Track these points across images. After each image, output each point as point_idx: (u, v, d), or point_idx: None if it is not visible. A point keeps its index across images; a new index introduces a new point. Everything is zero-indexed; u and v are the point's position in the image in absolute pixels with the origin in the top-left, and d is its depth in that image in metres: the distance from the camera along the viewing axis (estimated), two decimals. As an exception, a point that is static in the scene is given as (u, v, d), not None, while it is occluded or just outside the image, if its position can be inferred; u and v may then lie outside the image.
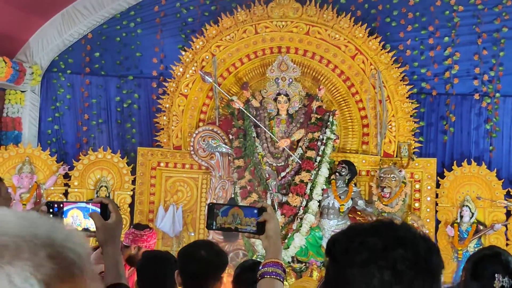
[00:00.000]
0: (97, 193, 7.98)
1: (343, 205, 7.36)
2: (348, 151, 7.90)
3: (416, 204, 7.69)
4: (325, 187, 7.41)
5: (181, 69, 8.06)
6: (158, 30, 8.49)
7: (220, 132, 7.73)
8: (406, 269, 1.17)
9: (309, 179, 7.33)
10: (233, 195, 7.61)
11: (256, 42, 7.97)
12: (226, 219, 2.05)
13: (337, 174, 7.42)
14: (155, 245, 7.54)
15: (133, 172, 8.13)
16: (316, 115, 7.55)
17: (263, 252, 1.94)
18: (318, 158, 7.40)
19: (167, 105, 8.12)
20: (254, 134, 7.61)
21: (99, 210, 1.98)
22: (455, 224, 7.52)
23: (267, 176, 7.48)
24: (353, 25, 7.83)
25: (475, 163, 7.74)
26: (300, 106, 7.65)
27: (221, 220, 2.05)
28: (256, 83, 8.05)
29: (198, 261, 2.78)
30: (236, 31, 7.95)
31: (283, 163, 7.57)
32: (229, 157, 7.73)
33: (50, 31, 8.54)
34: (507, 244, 7.45)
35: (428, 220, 7.62)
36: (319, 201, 7.38)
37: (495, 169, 7.74)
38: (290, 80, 7.65)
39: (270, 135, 7.59)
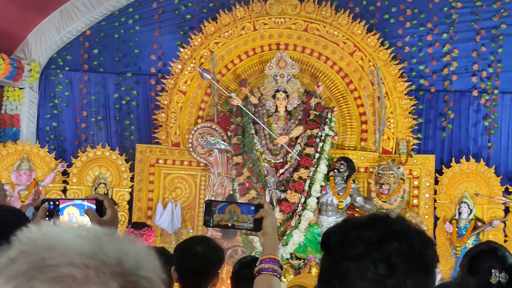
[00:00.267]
0: (95, 190, 7.97)
1: (342, 201, 7.37)
2: (346, 148, 7.91)
3: (415, 201, 7.69)
4: (323, 184, 7.41)
5: (179, 66, 8.05)
6: (156, 27, 8.48)
7: (218, 129, 7.73)
8: (400, 262, 1.16)
9: (307, 176, 7.34)
10: (231, 192, 7.61)
11: (254, 39, 7.96)
12: (223, 216, 2.04)
13: (335, 171, 7.43)
14: (154, 242, 7.59)
15: (132, 169, 8.13)
16: (314, 112, 7.54)
17: (261, 249, 1.94)
18: (317, 155, 7.40)
19: (166, 102, 8.11)
20: (253, 131, 7.60)
21: (94, 207, 1.98)
22: (454, 221, 7.52)
23: (266, 173, 7.48)
24: (352, 22, 7.82)
25: (474, 160, 7.74)
26: (298, 103, 7.65)
27: (218, 217, 2.05)
28: (255, 80, 8.04)
29: (194, 257, 2.77)
30: (234, 28, 7.95)
31: (281, 160, 7.56)
32: (228, 154, 7.73)
33: (49, 28, 8.52)
34: (505, 241, 7.46)
35: (426, 217, 7.63)
36: (318, 198, 7.38)
37: (494, 166, 7.74)
38: (289, 77, 7.64)
39: (269, 132, 7.59)
